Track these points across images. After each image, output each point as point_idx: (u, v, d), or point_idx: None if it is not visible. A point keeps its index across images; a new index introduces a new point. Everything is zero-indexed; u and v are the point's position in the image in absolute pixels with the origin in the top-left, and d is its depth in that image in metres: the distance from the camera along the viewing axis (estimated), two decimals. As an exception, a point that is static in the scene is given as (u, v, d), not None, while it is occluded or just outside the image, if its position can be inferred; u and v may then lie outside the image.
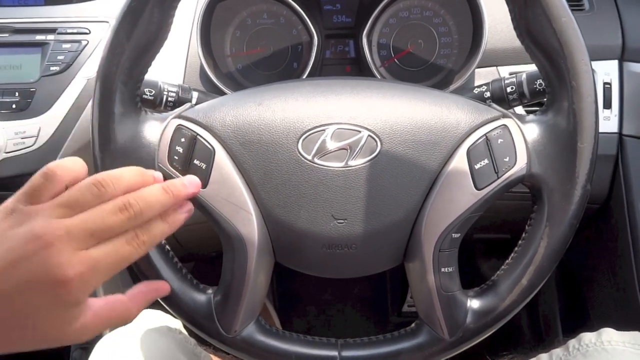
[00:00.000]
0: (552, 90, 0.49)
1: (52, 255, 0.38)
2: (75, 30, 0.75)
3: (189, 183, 0.47)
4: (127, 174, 0.43)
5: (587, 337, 0.64)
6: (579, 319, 0.95)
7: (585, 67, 0.47)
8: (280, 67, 0.81)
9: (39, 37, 0.75)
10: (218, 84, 0.74)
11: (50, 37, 0.75)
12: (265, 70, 0.81)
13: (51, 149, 0.73)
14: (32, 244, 0.38)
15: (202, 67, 0.75)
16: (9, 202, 0.41)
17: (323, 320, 1.29)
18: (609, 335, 0.63)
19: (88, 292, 0.40)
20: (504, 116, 0.51)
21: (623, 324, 0.73)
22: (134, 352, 0.62)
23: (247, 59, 0.81)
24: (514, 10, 0.49)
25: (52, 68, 0.73)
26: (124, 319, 0.44)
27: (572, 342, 0.64)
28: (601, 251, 0.86)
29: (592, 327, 0.64)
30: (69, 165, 0.42)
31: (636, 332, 0.64)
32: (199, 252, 0.99)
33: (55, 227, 0.38)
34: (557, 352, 0.65)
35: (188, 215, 0.46)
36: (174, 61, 0.77)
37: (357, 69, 0.83)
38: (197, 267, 1.10)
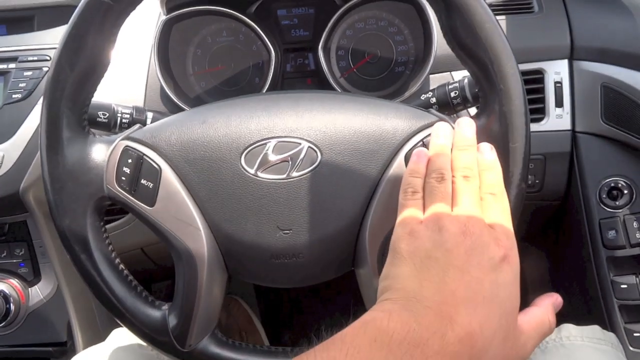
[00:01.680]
0: (484, 94, 0.51)
1: (482, 237, 0.42)
2: (36, 58, 0.76)
3: (467, 129, 0.49)
4: (440, 159, 0.48)
5: (548, 332, 0.64)
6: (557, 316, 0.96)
7: (512, 70, 0.48)
8: (242, 83, 0.83)
9: (1, 66, 0.76)
10: (179, 103, 0.76)
11: (12, 65, 0.76)
12: (228, 87, 0.83)
13: (15, 176, 0.74)
14: (463, 238, 0.42)
15: (162, 88, 0.76)
16: (398, 231, 0.45)
17: (312, 332, 1.29)
18: (568, 330, 0.64)
19: (518, 257, 0.43)
20: (441, 121, 0.52)
21: (589, 318, 0.74)
22: (104, 371, 0.63)
23: (209, 76, 0.83)
24: (440, 18, 0.51)
25: (14, 95, 0.75)
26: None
27: (534, 339, 0.65)
28: (564, 246, 0.87)
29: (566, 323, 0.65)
30: (417, 180, 0.47)
31: (595, 326, 0.65)
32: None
33: (461, 219, 0.43)
34: (519, 349, 0.66)
35: (494, 151, 0.49)
36: (134, 83, 0.78)
37: (318, 80, 0.84)
38: (173, 285, 1.10)
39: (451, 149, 0.48)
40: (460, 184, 0.46)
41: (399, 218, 0.45)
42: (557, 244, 0.90)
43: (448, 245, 0.41)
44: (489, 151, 0.48)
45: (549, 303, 0.46)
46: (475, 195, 0.45)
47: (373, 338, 0.37)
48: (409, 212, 0.45)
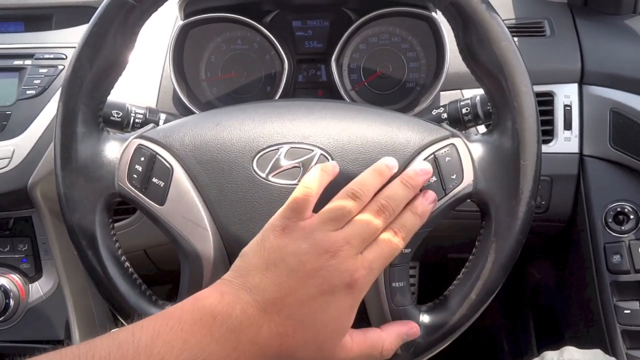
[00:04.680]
0: (497, 111, 0.51)
1: (340, 263, 0.44)
2: (52, 56, 0.77)
3: (421, 171, 0.49)
4: (370, 179, 0.48)
5: (549, 355, 0.64)
6: (555, 339, 0.96)
7: (526, 88, 0.49)
8: (254, 92, 0.83)
9: (17, 62, 0.77)
10: (190, 106, 0.76)
11: (28, 62, 0.77)
12: (239, 94, 0.83)
13: (24, 170, 0.75)
14: (322, 257, 0.44)
15: (175, 91, 0.77)
16: (276, 220, 0.46)
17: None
18: (570, 353, 0.63)
19: (367, 289, 0.46)
20: (453, 136, 0.52)
21: (591, 342, 0.73)
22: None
23: (222, 83, 0.83)
24: (457, 34, 0.51)
25: (28, 92, 0.75)
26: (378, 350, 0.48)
27: (535, 361, 0.65)
28: (568, 269, 0.87)
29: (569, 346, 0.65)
30: (318, 179, 0.47)
31: (597, 350, 0.64)
32: (175, 271, 1.00)
33: (336, 240, 0.45)
34: (521, 370, 0.66)
35: (434, 205, 0.49)
36: (148, 85, 0.79)
37: (329, 92, 0.85)
38: (175, 288, 1.10)
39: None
40: (369, 210, 0.46)
41: (289, 201, 0.46)
42: (561, 267, 0.90)
43: (304, 258, 0.44)
44: (431, 200, 0.49)
45: (394, 330, 0.49)
46: (374, 229, 0.46)
47: (199, 317, 0.42)
48: (297, 203, 0.46)
